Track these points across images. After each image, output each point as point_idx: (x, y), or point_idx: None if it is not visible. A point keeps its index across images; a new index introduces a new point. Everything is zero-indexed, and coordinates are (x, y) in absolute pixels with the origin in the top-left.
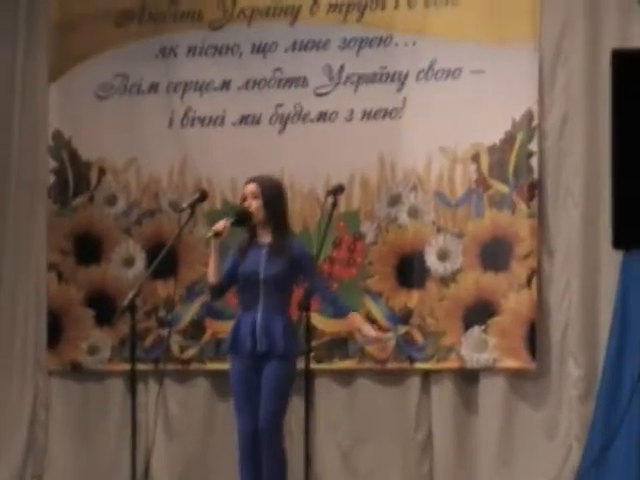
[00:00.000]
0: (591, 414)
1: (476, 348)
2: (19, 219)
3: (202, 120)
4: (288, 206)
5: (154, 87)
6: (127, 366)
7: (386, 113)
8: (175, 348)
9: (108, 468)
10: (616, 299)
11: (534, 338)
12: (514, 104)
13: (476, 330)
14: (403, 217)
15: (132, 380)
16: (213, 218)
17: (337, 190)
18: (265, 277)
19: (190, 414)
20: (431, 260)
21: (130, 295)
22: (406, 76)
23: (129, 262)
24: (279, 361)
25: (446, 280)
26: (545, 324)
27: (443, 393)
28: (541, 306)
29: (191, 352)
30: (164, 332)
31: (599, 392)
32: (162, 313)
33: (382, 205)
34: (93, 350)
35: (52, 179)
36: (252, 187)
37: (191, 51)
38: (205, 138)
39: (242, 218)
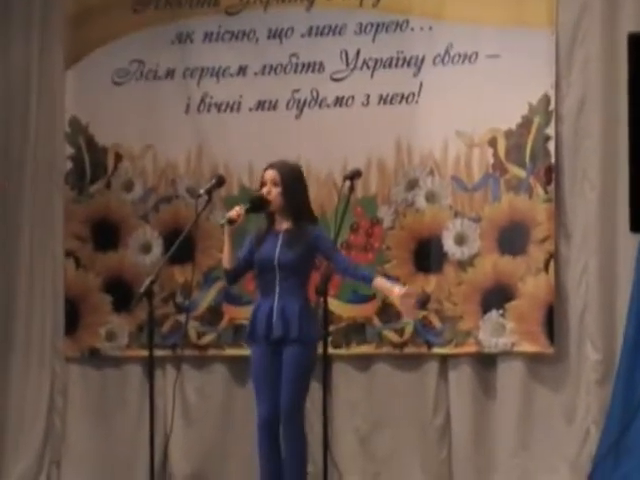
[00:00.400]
0: (609, 398)
1: (494, 332)
2: (36, 206)
3: (219, 106)
4: (308, 192)
5: (170, 73)
6: (145, 352)
7: (402, 98)
8: (193, 334)
9: (126, 454)
10: (634, 282)
11: (552, 322)
12: (531, 88)
13: (494, 314)
14: (420, 201)
15: (150, 366)
16: (230, 204)
17: (354, 175)
18: (280, 263)
19: (208, 400)
20: (448, 244)
21: (147, 281)
22: (422, 61)
23: (146, 248)
24: (298, 346)
25: (464, 264)
26: (563, 308)
27: (461, 378)
28: (559, 290)
29: (209, 338)
30: (182, 318)
31: (617, 375)
32: (179, 299)
33: (399, 190)
34: (111, 336)
35: (69, 165)
36: (272, 174)
37: (207, 37)
38: (222, 124)
39: (257, 205)
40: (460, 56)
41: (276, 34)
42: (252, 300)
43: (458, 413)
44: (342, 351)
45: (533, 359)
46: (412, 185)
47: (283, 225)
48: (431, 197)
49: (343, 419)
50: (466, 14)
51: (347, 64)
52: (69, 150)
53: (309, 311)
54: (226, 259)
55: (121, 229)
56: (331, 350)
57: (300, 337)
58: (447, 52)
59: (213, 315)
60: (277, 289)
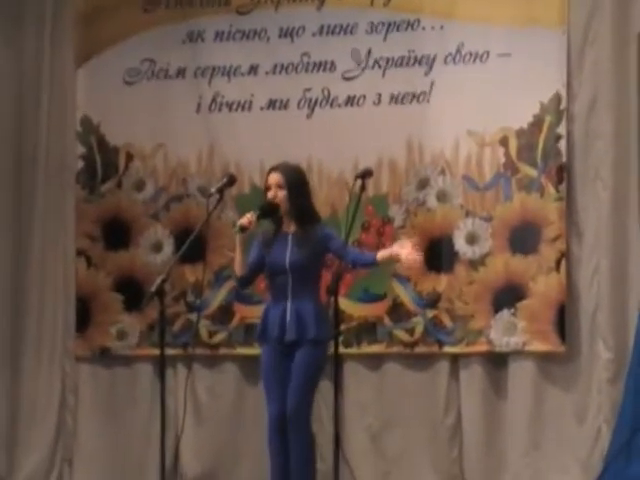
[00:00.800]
0: (621, 397)
1: (505, 332)
2: (48, 205)
3: (230, 105)
4: (312, 193)
5: (182, 72)
6: (156, 351)
7: (414, 97)
8: (204, 333)
9: (137, 453)
10: None
11: (563, 321)
12: (542, 87)
13: (505, 313)
14: (431, 201)
15: (161, 365)
16: (241, 203)
17: (365, 174)
18: (291, 266)
19: (219, 399)
20: (460, 244)
21: (158, 280)
22: (434, 60)
23: (157, 247)
24: (310, 347)
25: (475, 264)
26: (574, 307)
27: (472, 377)
28: (570, 289)
29: (220, 337)
30: (193, 317)
31: (628, 374)
32: (190, 298)
33: (410, 189)
34: (122, 335)
35: (80, 165)
36: (276, 177)
37: (218, 36)
38: (233, 123)
39: (267, 210)
40: (471, 55)
41: (287, 33)
42: (263, 299)
43: (469, 412)
44: (353, 350)
45: (544, 358)
46: (423, 184)
47: (291, 227)
48: (442, 196)
49: (354, 418)
50: (477, 13)
51: (358, 63)
52: (80, 149)
53: (323, 311)
54: (238, 266)
55: (132, 228)
56: (342, 349)
57: (316, 338)
58: (458, 51)
59: (224, 314)
60: (290, 292)
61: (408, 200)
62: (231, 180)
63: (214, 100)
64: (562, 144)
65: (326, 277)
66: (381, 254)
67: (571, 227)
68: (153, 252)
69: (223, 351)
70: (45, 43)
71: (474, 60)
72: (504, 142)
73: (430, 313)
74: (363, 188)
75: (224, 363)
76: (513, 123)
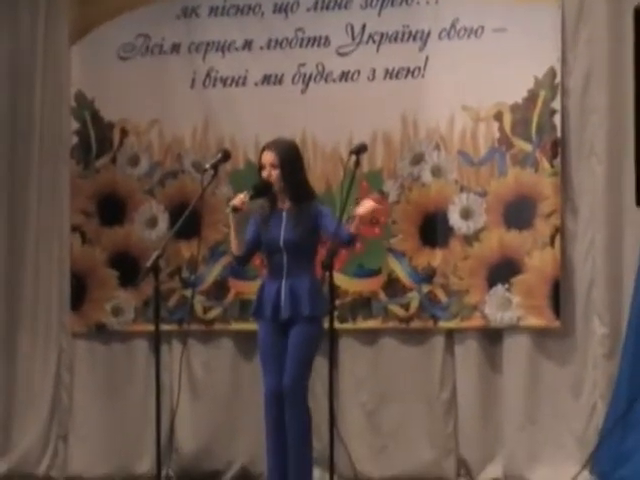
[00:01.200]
0: (616, 372)
1: (500, 307)
2: (42, 181)
3: (224, 80)
4: (306, 168)
5: (176, 47)
6: (151, 327)
7: (408, 72)
8: (199, 308)
9: (133, 429)
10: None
11: (558, 296)
12: (537, 62)
13: (500, 289)
14: (426, 176)
15: (156, 341)
16: (236, 178)
17: (360, 149)
18: (285, 243)
19: (214, 374)
20: (454, 219)
21: (154, 256)
22: (428, 35)
23: (152, 223)
24: (305, 324)
25: (470, 239)
26: (569, 282)
27: (467, 352)
28: (565, 264)
29: (215, 312)
30: (188, 293)
31: (624, 350)
32: (185, 274)
33: (405, 164)
34: (117, 311)
35: (75, 140)
36: (270, 156)
37: (213, 11)
38: (228, 98)
39: (260, 190)
40: (466, 30)
41: (282, 8)
42: (258, 275)
43: (464, 387)
44: (348, 326)
45: (539, 333)
46: (418, 159)
47: (285, 204)
48: (437, 171)
49: (349, 394)
50: None
51: (353, 38)
52: (75, 125)
53: (318, 288)
54: (234, 246)
55: (127, 204)
56: (337, 325)
57: (311, 314)
58: (453, 26)
59: (219, 290)
60: (285, 269)
61: (403, 175)
62: (226, 156)
63: (208, 75)
64: (557, 119)
65: (321, 252)
66: (355, 225)
67: (566, 202)
68: (148, 228)
69: (218, 326)
70: (39, 19)
71: (469, 35)
72: (499, 117)
73: (425, 288)
74: (358, 163)
75: (219, 338)
76: (508, 98)
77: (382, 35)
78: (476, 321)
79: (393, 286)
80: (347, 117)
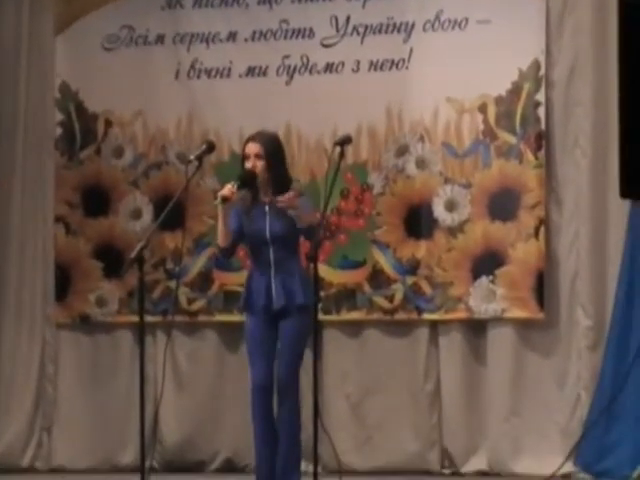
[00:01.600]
0: (600, 364)
1: (484, 298)
2: (26, 172)
3: (209, 72)
4: (288, 161)
5: (160, 38)
6: (135, 318)
7: (393, 64)
8: (183, 300)
9: (117, 420)
10: (624, 248)
11: (542, 288)
12: (521, 54)
13: (484, 280)
14: (411, 168)
15: (140, 332)
16: (221, 170)
17: (344, 141)
18: (272, 237)
19: (198, 366)
20: (439, 211)
21: (138, 247)
22: (412, 27)
23: (136, 214)
24: (297, 314)
25: (454, 231)
26: (554, 274)
27: (451, 344)
28: (549, 256)
29: (199, 304)
30: (172, 284)
31: (608, 342)
32: (170, 265)
33: (389, 156)
34: (101, 302)
35: (59, 131)
36: (255, 148)
37: (197, 2)
38: (212, 90)
39: (247, 180)
40: (450, 22)
41: (266, 0)
42: (242, 266)
43: (448, 379)
44: (332, 317)
45: (523, 325)
46: (402, 151)
47: (268, 197)
48: (421, 163)
49: (334, 385)
50: None
51: (337, 30)
52: (59, 116)
53: (307, 277)
54: (222, 237)
55: (111, 195)
56: (321, 316)
57: (304, 303)
58: (437, 18)
59: (203, 281)
60: (272, 261)
61: (387, 167)
62: (210, 147)
63: (193, 67)
64: (541, 111)
65: (305, 244)
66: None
67: (550, 194)
68: (132, 219)
69: (202, 318)
70: (24, 9)
71: (453, 27)
72: (483, 109)
73: (410, 280)
74: (342, 155)
75: (203, 330)
76: (492, 90)
77: (366, 27)
78: (460, 313)
79: (377, 278)
80: (331, 109)
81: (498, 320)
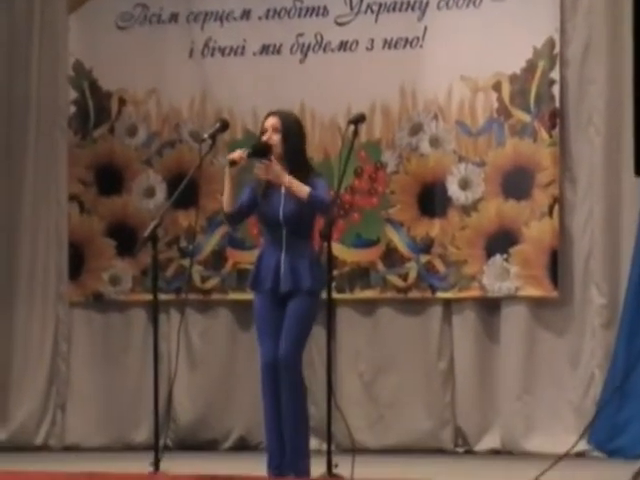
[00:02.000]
0: (613, 342)
1: (498, 277)
2: (40, 151)
3: (222, 50)
4: (307, 143)
5: (174, 17)
6: (149, 296)
7: (407, 42)
8: (196, 278)
9: (130, 398)
10: (638, 226)
11: (556, 266)
12: (535, 32)
13: (498, 259)
14: (424, 146)
15: (154, 310)
16: (234, 148)
17: (358, 119)
18: (285, 218)
19: (212, 344)
20: (453, 189)
21: (151, 225)
22: (427, 5)
23: (150, 193)
24: (304, 297)
25: (468, 209)
26: (568, 252)
27: (465, 322)
28: (563, 234)
29: (212, 282)
30: (185, 262)
31: (621, 320)
32: (183, 243)
33: (403, 134)
34: (115, 281)
35: (72, 110)
36: (273, 120)
37: None
38: (226, 68)
39: (260, 150)
40: (464, 0)
41: None
42: (256, 245)
43: (462, 357)
44: (346, 296)
45: (537, 303)
46: (416, 130)
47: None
48: (435, 142)
49: (347, 364)
50: None
51: (351, 8)
52: (72, 94)
53: (317, 262)
54: (226, 202)
55: (125, 174)
56: (335, 295)
57: (311, 288)
58: None
59: (217, 259)
60: (284, 243)
61: (401, 145)
62: (224, 125)
63: (207, 45)
64: (555, 89)
65: (319, 222)
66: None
67: (564, 172)
68: (146, 197)
69: (216, 296)
70: None
71: (467, 5)
72: (497, 87)
73: (423, 258)
74: (356, 133)
75: (217, 308)
76: (506, 68)
77: (380, 5)
78: (474, 291)
79: (391, 256)
80: (345, 87)
81: (512, 298)
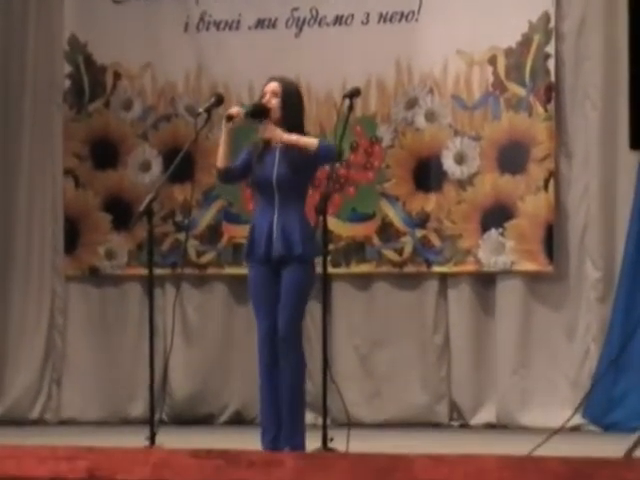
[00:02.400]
0: (609, 315)
1: (493, 251)
2: (35, 125)
3: (218, 24)
4: (305, 112)
5: None
6: (144, 271)
7: (402, 16)
8: (192, 253)
9: (126, 372)
10: (634, 200)
11: (552, 241)
12: (531, 6)
13: (493, 233)
14: (420, 120)
15: (149, 285)
16: None
17: (354, 94)
18: (277, 181)
19: (207, 318)
20: (448, 163)
21: (147, 200)
22: None
23: (145, 167)
24: (298, 266)
25: (463, 183)
26: (563, 227)
27: (460, 296)
28: (559, 209)
29: (208, 257)
30: (181, 237)
31: (617, 294)
32: (179, 218)
33: (399, 109)
34: (110, 255)
35: (67, 84)
36: (273, 85)
37: None
38: (221, 42)
39: (257, 111)
40: None
41: None
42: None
43: (457, 332)
44: (342, 270)
45: (533, 278)
46: (412, 104)
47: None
48: (431, 116)
49: (343, 338)
50: None
51: None
52: (67, 68)
53: (309, 229)
54: (220, 157)
55: (120, 148)
56: (331, 269)
57: (303, 255)
58: None
59: (212, 234)
60: (276, 207)
61: (397, 120)
62: (219, 100)
63: (202, 19)
64: (551, 63)
65: (315, 197)
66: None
67: (560, 147)
68: (141, 172)
69: (211, 271)
70: None
71: None
72: (493, 61)
73: (419, 233)
74: (351, 108)
75: (213, 283)
76: (502, 42)
77: None
78: (469, 265)
79: (387, 231)
80: (341, 61)
81: (507, 273)
